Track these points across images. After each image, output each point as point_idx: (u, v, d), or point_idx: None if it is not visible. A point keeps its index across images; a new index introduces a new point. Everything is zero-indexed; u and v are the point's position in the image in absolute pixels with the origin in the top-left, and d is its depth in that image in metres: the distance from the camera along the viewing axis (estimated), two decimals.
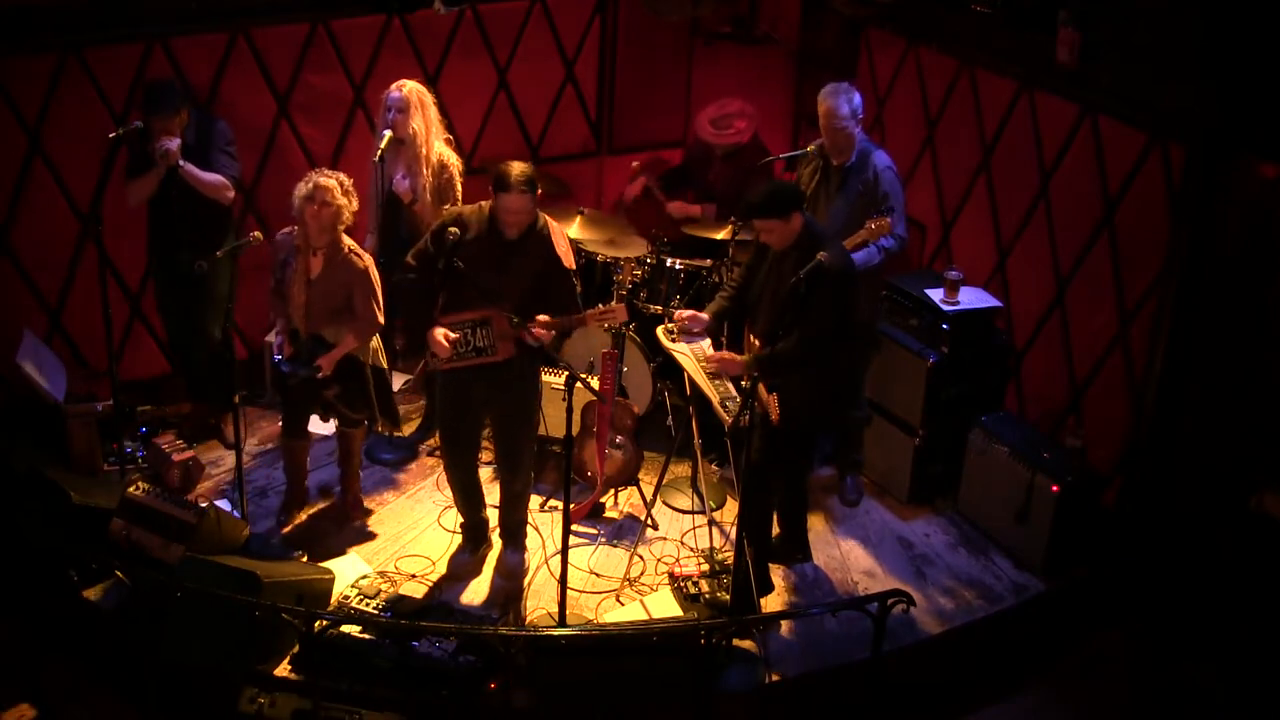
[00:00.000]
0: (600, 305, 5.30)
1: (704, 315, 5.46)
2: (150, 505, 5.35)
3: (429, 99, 6.12)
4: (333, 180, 5.45)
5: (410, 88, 6.07)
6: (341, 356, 5.58)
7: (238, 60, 6.60)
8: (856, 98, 5.85)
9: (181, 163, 5.84)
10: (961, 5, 6.45)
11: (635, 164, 7.47)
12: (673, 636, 5.04)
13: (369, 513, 6.13)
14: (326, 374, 5.57)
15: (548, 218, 5.34)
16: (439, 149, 6.13)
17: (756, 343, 5.31)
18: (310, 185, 5.41)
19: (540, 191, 5.27)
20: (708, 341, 5.53)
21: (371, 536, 5.98)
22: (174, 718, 5.04)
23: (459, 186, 6.18)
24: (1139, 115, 5.70)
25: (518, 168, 5.10)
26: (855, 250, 5.66)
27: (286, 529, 5.94)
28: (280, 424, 6.03)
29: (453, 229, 5.18)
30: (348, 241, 5.57)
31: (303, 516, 6.05)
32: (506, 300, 5.14)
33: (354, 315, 5.59)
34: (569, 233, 6.68)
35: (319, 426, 6.10)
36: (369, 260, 5.63)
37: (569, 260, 5.31)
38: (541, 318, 5.16)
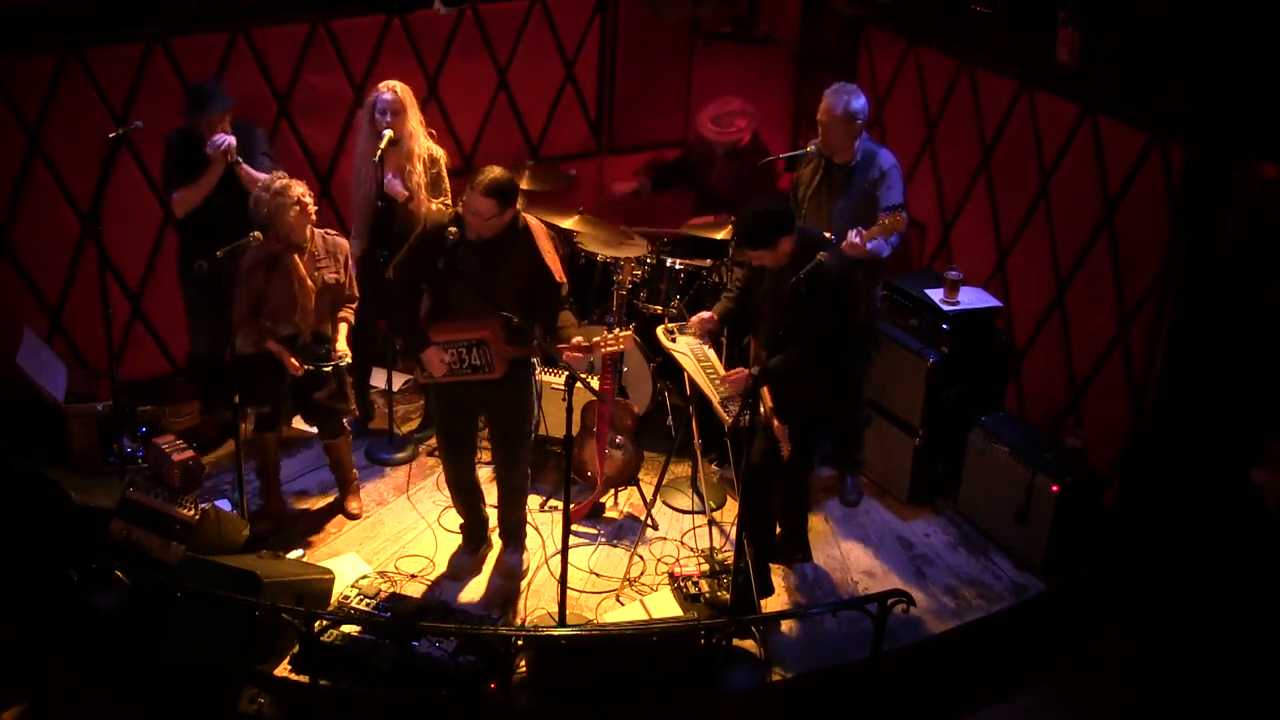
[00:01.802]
0: (606, 333, 5.32)
1: (713, 316, 5.47)
2: (150, 505, 5.35)
3: (412, 96, 6.17)
4: (287, 178, 5.51)
5: (400, 89, 6.10)
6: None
7: (238, 60, 6.61)
8: (857, 101, 5.84)
9: (239, 160, 5.87)
10: (961, 5, 6.45)
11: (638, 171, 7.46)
12: (673, 636, 5.04)
13: (369, 513, 6.13)
14: (349, 358, 5.62)
15: (529, 220, 5.25)
16: (425, 143, 6.18)
17: (764, 352, 5.31)
18: (286, 191, 5.43)
19: (518, 205, 5.19)
20: (707, 344, 5.54)
21: (371, 536, 5.98)
22: (174, 718, 5.04)
23: (447, 177, 6.22)
24: (1139, 115, 5.70)
25: (492, 172, 5.02)
26: (869, 241, 5.69)
27: (285, 526, 5.93)
28: (254, 420, 5.95)
29: (452, 229, 5.13)
30: (315, 230, 5.66)
31: (296, 509, 6.05)
32: (492, 310, 5.07)
33: (342, 298, 5.69)
34: (568, 229, 6.69)
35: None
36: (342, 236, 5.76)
37: (558, 270, 5.22)
38: (578, 339, 5.16)
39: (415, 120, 6.14)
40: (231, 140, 5.84)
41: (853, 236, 5.67)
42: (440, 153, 6.26)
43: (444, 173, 6.24)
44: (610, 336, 5.31)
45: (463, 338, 5.18)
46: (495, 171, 5.04)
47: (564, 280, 5.25)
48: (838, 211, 5.90)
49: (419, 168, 6.12)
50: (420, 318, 5.28)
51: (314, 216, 5.58)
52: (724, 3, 7.74)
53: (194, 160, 5.90)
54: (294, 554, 5.75)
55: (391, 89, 6.09)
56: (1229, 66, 5.23)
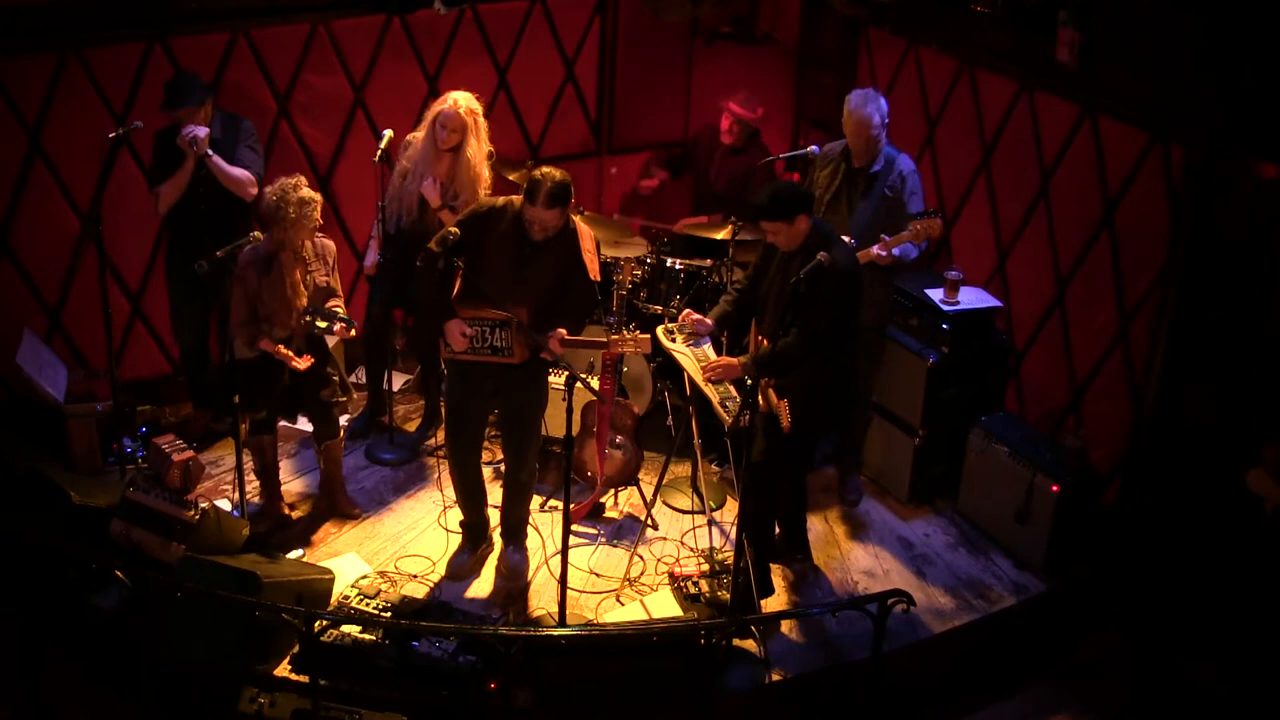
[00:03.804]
0: (626, 332, 5.34)
1: (708, 320, 5.46)
2: (150, 505, 5.35)
3: (480, 115, 6.07)
4: (303, 182, 5.52)
5: (465, 106, 6.01)
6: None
7: (238, 60, 6.60)
8: (884, 104, 5.89)
9: (209, 153, 5.84)
10: (961, 5, 6.45)
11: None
12: (673, 636, 5.04)
13: (369, 513, 6.13)
14: (353, 332, 5.55)
15: (579, 221, 5.34)
16: (484, 171, 6.11)
17: (764, 342, 5.31)
18: (303, 193, 5.45)
19: (574, 200, 5.22)
20: (708, 345, 5.55)
21: (372, 536, 5.98)
22: (174, 718, 5.04)
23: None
24: (1139, 115, 5.70)
25: (550, 181, 5.04)
26: (898, 246, 5.74)
27: (286, 527, 5.93)
28: (250, 424, 5.90)
29: (453, 230, 5.18)
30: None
31: (298, 514, 6.06)
32: (523, 298, 5.15)
33: (330, 298, 5.72)
34: None
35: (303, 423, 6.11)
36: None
37: (594, 269, 5.31)
38: (560, 332, 5.17)
39: (477, 144, 6.03)
40: (198, 132, 5.81)
41: (877, 249, 5.70)
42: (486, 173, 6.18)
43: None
44: (629, 337, 5.32)
45: (487, 317, 5.22)
46: (550, 179, 5.05)
47: (599, 279, 5.32)
48: (859, 216, 5.90)
49: (480, 192, 6.00)
50: (451, 296, 5.32)
51: (318, 224, 5.58)
52: (724, 3, 7.74)
53: (172, 156, 5.91)
54: (294, 554, 5.76)
55: (455, 104, 5.98)
56: (1229, 66, 5.23)
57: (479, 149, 6.08)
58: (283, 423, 6.05)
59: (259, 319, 5.58)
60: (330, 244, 5.78)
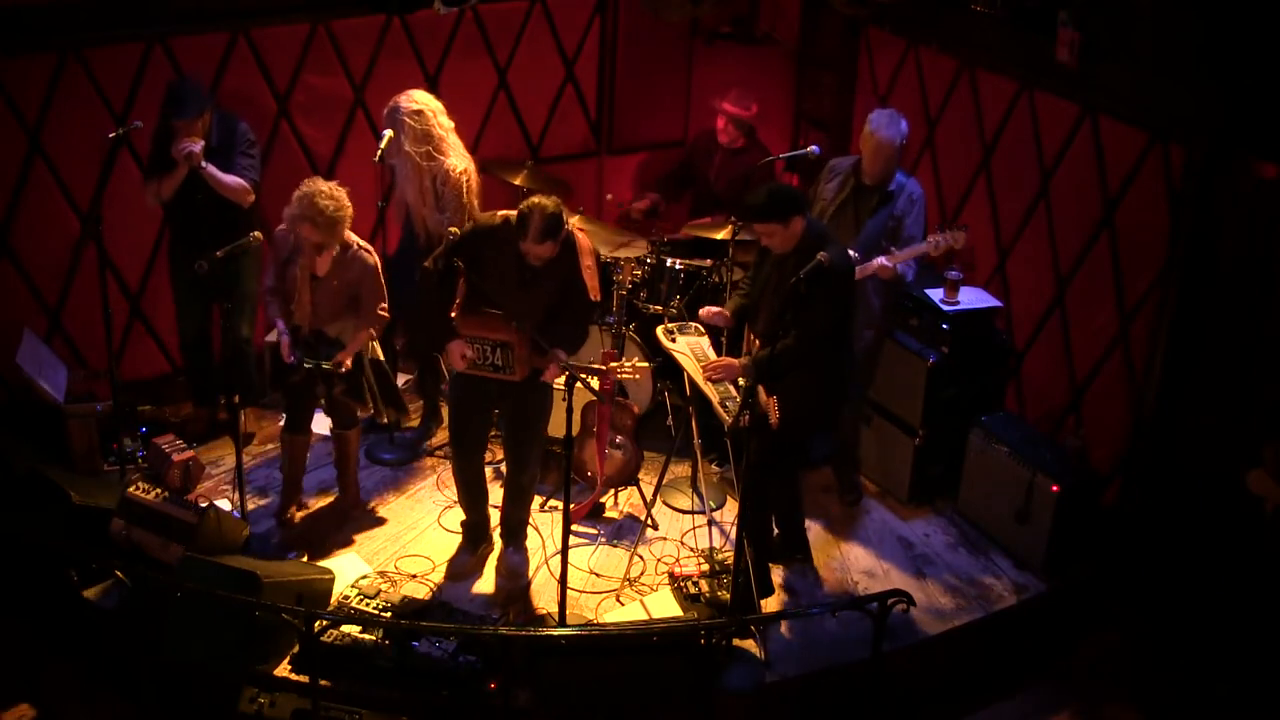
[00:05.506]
0: (625, 361, 5.35)
1: (727, 313, 5.47)
2: (150, 505, 5.35)
3: (415, 120, 6.01)
4: (339, 189, 5.46)
5: (410, 103, 6.00)
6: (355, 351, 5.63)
7: (238, 60, 6.60)
8: (905, 125, 5.91)
9: (204, 164, 5.85)
10: (961, 5, 6.45)
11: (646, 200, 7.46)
12: (673, 636, 5.04)
13: (369, 513, 6.13)
14: (348, 368, 5.58)
15: (577, 235, 5.31)
16: (440, 165, 6.07)
17: (757, 342, 5.31)
18: (302, 201, 5.38)
19: (566, 229, 5.17)
20: (707, 341, 5.55)
21: (371, 536, 5.98)
22: (174, 718, 5.04)
23: (464, 195, 6.11)
24: (1139, 115, 5.70)
25: (539, 215, 4.98)
26: (904, 261, 5.80)
27: (287, 528, 5.93)
28: (282, 421, 6.02)
29: (452, 230, 5.20)
30: (353, 238, 5.59)
31: (301, 515, 6.05)
32: (528, 315, 5.15)
33: (359, 312, 5.63)
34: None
35: (319, 425, 6.10)
36: (376, 256, 5.65)
37: (594, 287, 5.29)
38: (559, 355, 5.16)
39: (408, 139, 5.99)
40: (195, 148, 5.80)
41: (884, 260, 5.71)
42: (459, 166, 6.11)
43: (463, 189, 6.09)
44: (629, 364, 5.32)
45: (489, 336, 5.23)
46: (539, 213, 5.00)
47: (598, 299, 5.31)
48: (867, 232, 5.90)
49: (424, 183, 6.05)
50: (451, 310, 5.31)
51: (346, 225, 5.49)
52: (724, 3, 7.73)
53: (168, 155, 5.91)
54: (294, 554, 5.76)
55: (395, 102, 6.02)
56: (1229, 66, 5.23)
57: (415, 149, 6.01)
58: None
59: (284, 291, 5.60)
60: (366, 258, 5.59)
